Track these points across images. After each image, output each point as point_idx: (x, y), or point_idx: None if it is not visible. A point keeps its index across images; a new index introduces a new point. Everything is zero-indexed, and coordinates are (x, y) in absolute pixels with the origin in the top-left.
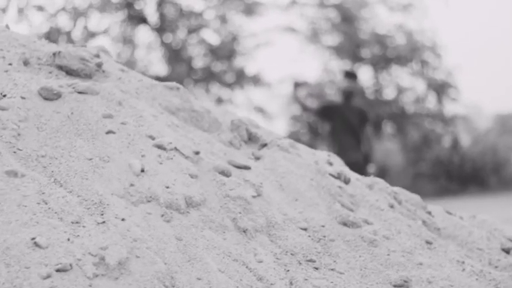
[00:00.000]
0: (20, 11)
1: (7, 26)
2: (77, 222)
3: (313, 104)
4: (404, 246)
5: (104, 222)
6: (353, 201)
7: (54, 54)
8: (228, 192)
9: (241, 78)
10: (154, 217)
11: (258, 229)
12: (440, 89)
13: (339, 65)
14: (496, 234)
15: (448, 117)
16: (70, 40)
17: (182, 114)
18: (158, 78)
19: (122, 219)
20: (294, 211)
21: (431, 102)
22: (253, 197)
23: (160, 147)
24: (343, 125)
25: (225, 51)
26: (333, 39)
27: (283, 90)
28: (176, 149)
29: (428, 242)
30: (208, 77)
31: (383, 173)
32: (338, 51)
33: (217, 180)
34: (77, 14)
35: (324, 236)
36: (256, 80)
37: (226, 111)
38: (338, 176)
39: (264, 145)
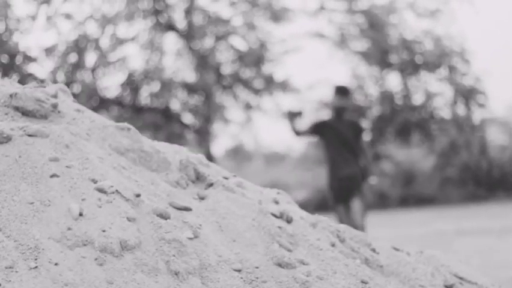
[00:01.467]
0: (49, 18)
1: None
2: (10, 267)
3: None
4: (337, 286)
5: (36, 267)
6: (292, 241)
7: (11, 95)
8: (164, 235)
9: (270, 85)
10: (88, 261)
11: (191, 271)
12: (469, 94)
13: (368, 71)
14: (441, 270)
15: (476, 122)
16: (98, 48)
17: (131, 155)
18: (187, 85)
19: (56, 264)
20: (230, 252)
21: (459, 108)
22: (190, 239)
23: (101, 190)
24: (336, 139)
25: (253, 58)
26: (361, 45)
27: (313, 96)
28: (117, 191)
29: (363, 282)
30: (237, 83)
31: (410, 179)
32: (366, 57)
33: (154, 223)
34: (105, 21)
35: (257, 278)
36: (285, 86)
37: (178, 151)
38: (280, 216)
39: (211, 185)
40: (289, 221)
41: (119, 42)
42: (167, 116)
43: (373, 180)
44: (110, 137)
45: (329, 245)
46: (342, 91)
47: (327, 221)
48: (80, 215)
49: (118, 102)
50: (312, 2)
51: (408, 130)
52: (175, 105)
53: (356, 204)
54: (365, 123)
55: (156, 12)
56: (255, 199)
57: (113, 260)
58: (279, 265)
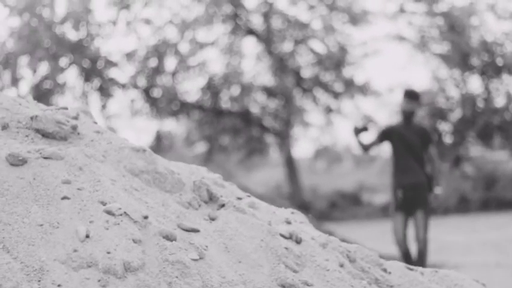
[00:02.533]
0: (129, 24)
1: None
2: None
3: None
4: None
5: None
6: (298, 262)
7: (32, 117)
8: (168, 257)
9: (350, 88)
10: (91, 282)
11: None
12: None
13: (448, 74)
14: None
15: None
16: (178, 52)
17: (145, 176)
18: (266, 89)
19: (59, 285)
20: (234, 273)
21: None
22: (195, 260)
23: (109, 212)
24: (402, 146)
25: (333, 61)
26: (441, 47)
27: (393, 98)
28: (125, 213)
29: None
30: (317, 86)
31: (491, 182)
32: (447, 59)
33: (160, 244)
34: (184, 26)
35: None
36: (365, 89)
37: (194, 171)
38: (289, 236)
39: (222, 205)
40: (298, 241)
41: (198, 46)
42: (247, 119)
43: (438, 190)
44: (125, 158)
45: (337, 266)
46: (410, 95)
47: (338, 241)
48: (87, 237)
49: (198, 106)
50: (392, 4)
51: (490, 133)
52: (254, 109)
53: (420, 217)
54: (446, 126)
55: (235, 16)
56: (265, 220)
57: (116, 282)
58: (283, 286)
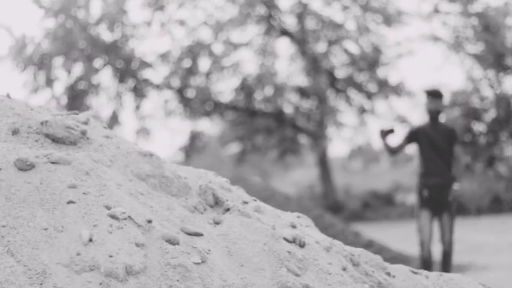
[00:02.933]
0: (163, 25)
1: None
2: None
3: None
4: None
5: None
6: (301, 266)
7: (42, 122)
8: (170, 260)
9: (384, 88)
10: (93, 285)
11: None
12: None
13: (483, 74)
14: None
15: None
16: (212, 53)
17: (152, 181)
18: (300, 89)
19: None
20: (236, 277)
21: None
22: (196, 264)
23: (113, 217)
24: (429, 146)
25: (367, 61)
26: (476, 47)
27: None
28: (130, 217)
29: None
30: (350, 87)
31: None
32: (481, 59)
33: (162, 248)
34: (218, 27)
35: None
36: (399, 90)
37: (201, 176)
38: (293, 240)
39: (227, 210)
40: (301, 245)
41: (232, 47)
42: (281, 120)
43: (456, 186)
44: (132, 163)
45: (339, 269)
46: (434, 94)
47: (341, 245)
48: (90, 240)
49: (232, 106)
50: (427, 4)
51: None
52: (288, 109)
53: (446, 219)
54: (480, 126)
55: (269, 17)
56: (269, 224)
57: (117, 285)
58: None
